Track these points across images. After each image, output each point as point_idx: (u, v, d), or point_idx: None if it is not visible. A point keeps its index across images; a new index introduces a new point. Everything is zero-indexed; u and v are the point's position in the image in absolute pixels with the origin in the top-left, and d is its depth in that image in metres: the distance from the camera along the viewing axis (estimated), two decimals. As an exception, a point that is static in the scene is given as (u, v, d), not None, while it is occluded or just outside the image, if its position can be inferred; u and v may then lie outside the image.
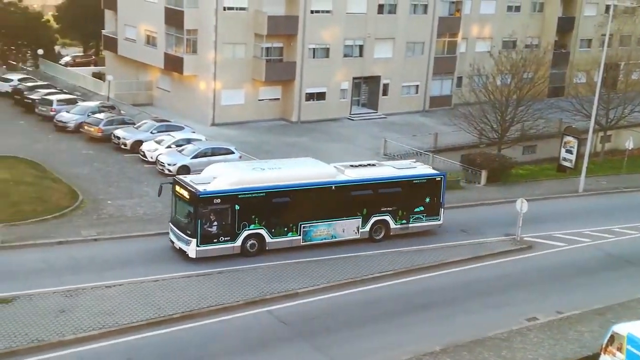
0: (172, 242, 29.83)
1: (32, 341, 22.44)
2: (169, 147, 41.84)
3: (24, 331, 22.93)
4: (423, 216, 33.18)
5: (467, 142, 50.65)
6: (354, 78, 57.81)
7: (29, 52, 67.22)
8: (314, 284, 27.98)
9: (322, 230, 30.90)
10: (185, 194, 28.85)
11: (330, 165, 32.98)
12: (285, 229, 30.15)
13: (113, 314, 24.43)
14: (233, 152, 41.80)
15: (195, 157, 40.17)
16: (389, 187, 32.12)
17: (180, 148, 41.44)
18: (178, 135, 43.62)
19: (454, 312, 26.95)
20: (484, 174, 44.26)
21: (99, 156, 42.77)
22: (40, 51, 65.32)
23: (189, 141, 42.54)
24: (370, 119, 57.86)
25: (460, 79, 62.68)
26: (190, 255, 28.76)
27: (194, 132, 46.22)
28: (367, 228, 31.97)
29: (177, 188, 29.48)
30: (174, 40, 53.85)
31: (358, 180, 31.62)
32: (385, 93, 59.65)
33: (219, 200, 28.57)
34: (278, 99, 55.40)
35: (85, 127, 46.47)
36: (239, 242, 29.24)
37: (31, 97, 52.07)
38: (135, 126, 46.25)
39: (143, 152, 42.24)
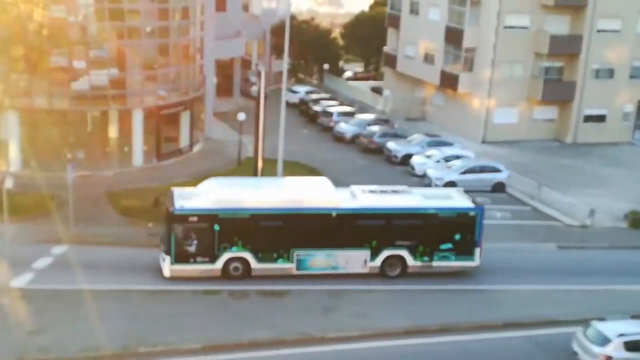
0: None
1: (298, 334, 24.13)
2: (438, 162, 42.49)
3: (291, 324, 24.72)
4: (452, 255, 28.77)
5: None
6: (640, 101, 54.09)
7: (315, 66, 72.20)
8: (577, 313, 26.67)
9: (319, 260, 27.94)
10: (165, 209, 27.25)
11: (350, 188, 29.48)
12: (275, 255, 27.64)
13: (369, 317, 25.43)
14: (500, 171, 41.38)
15: (463, 173, 40.39)
16: (406, 218, 28.27)
17: (449, 164, 41.82)
18: (447, 151, 44.04)
19: None
20: None
21: (371, 166, 44.50)
22: (326, 66, 69.81)
23: (458, 157, 42.80)
24: (655, 145, 53.62)
25: None
26: (164, 274, 27.17)
27: (463, 148, 46.40)
28: (378, 262, 28.37)
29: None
30: (451, 58, 54.51)
31: (364, 208, 28.07)
32: (675, 118, 54.94)
33: (195, 219, 26.74)
34: (553, 119, 53.63)
35: (361, 139, 48.77)
36: (219, 264, 27.25)
37: (315, 108, 55.91)
38: (406, 140, 47.55)
39: (412, 165, 43.28)
